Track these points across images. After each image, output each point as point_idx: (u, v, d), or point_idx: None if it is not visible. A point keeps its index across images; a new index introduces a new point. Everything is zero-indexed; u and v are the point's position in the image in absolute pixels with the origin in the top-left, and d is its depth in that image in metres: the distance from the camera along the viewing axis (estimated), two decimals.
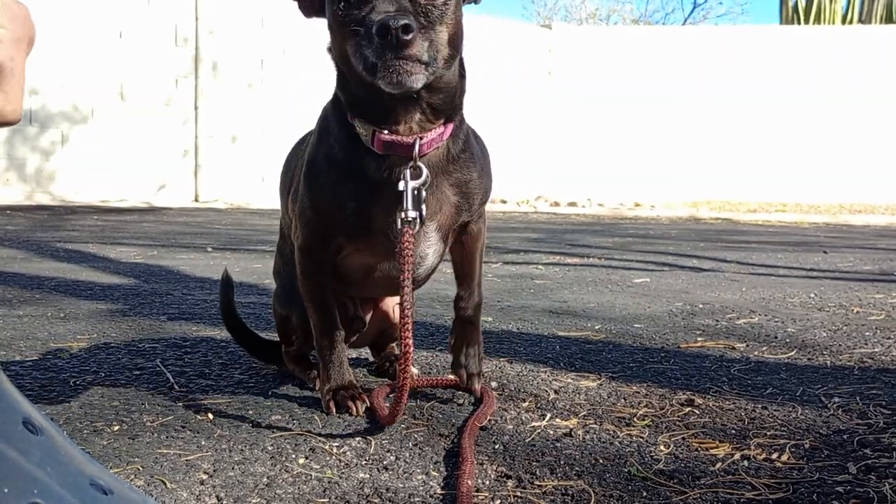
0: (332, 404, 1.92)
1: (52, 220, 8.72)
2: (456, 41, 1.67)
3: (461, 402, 2.06)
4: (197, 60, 12.58)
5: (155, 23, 12.29)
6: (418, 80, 1.58)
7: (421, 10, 1.59)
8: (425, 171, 1.75)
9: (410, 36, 1.52)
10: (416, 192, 1.74)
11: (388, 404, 1.86)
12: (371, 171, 1.79)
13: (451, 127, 1.81)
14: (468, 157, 1.88)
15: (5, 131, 11.50)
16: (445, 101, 1.77)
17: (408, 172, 1.74)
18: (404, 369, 1.71)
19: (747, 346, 2.81)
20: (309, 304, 1.98)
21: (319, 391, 2.01)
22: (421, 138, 1.75)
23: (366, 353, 2.49)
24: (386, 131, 1.74)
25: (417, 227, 1.76)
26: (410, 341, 1.70)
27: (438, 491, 1.48)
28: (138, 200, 12.10)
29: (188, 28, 12.51)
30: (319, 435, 1.77)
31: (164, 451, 1.65)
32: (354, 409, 1.90)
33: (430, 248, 1.91)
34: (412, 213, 1.74)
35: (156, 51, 12.29)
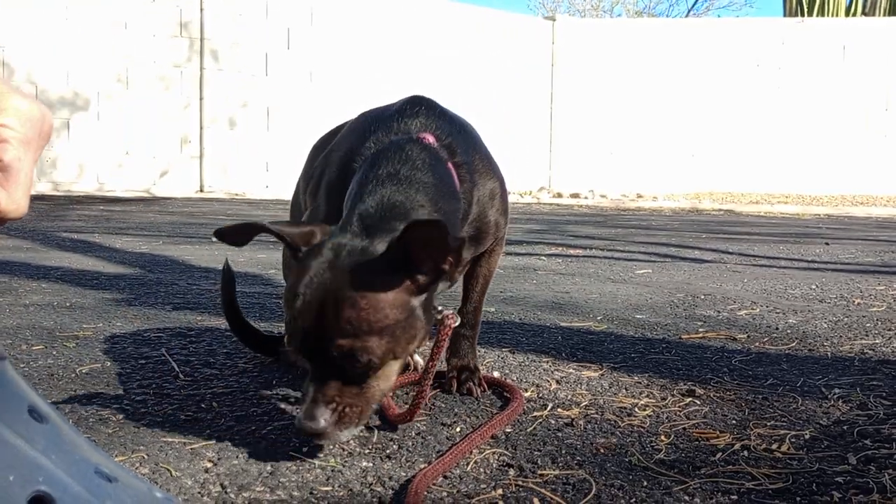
0: None
1: (56, 210, 8.73)
2: (412, 346, 1.63)
3: (464, 392, 2.06)
4: (202, 50, 12.58)
5: (159, 12, 12.29)
6: (350, 439, 1.64)
7: (350, 381, 1.56)
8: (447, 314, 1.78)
9: (322, 436, 1.55)
10: None
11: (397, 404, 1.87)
12: None
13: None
14: (479, 224, 1.92)
15: None
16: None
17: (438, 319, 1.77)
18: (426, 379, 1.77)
19: (748, 337, 2.82)
20: None
21: None
22: None
23: None
24: None
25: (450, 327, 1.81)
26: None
27: (440, 479, 1.49)
28: (141, 188, 12.12)
29: (193, 17, 12.51)
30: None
31: (169, 440, 1.66)
32: None
33: None
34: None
35: (160, 40, 12.30)
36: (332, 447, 1.63)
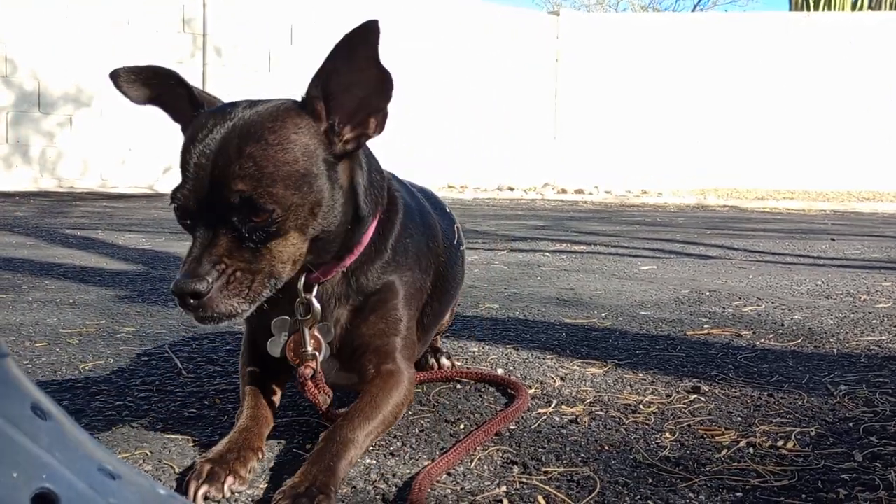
0: (204, 468, 1.40)
1: (59, 207, 8.74)
2: (313, 233, 1.45)
3: (467, 388, 2.06)
4: (205, 46, 12.59)
5: (162, 8, 12.29)
6: (237, 319, 1.41)
7: (245, 236, 1.38)
8: (315, 306, 1.58)
9: (204, 298, 1.35)
10: (312, 325, 1.59)
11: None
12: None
13: (352, 256, 1.61)
14: (382, 277, 1.66)
15: (11, 116, 11.54)
16: (328, 254, 1.55)
17: (301, 308, 1.58)
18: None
19: (754, 333, 2.81)
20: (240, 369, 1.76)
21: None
22: (310, 271, 1.56)
23: None
24: None
25: (316, 367, 1.60)
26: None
27: (444, 476, 1.48)
28: (144, 184, 12.14)
29: (196, 13, 12.52)
30: (327, 421, 1.78)
31: (173, 437, 1.66)
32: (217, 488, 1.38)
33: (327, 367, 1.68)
34: (309, 351, 1.59)
35: (163, 36, 12.31)
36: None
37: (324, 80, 1.44)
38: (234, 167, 1.36)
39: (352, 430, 1.48)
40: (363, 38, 1.39)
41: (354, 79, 1.44)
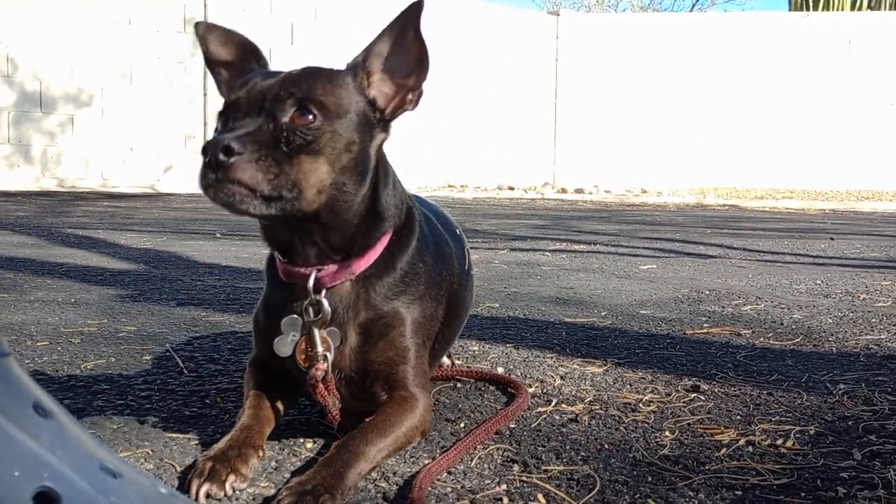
0: (206, 465, 1.42)
1: (61, 206, 8.75)
2: (339, 178, 1.50)
3: (467, 387, 2.07)
4: None
5: (164, 8, 12.30)
6: (250, 207, 1.41)
7: (283, 135, 1.45)
8: (325, 307, 1.58)
9: (233, 159, 1.38)
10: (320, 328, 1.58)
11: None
12: (280, 302, 1.64)
13: (362, 261, 1.62)
14: (392, 300, 1.65)
15: (12, 116, 11.54)
16: (341, 238, 1.58)
17: (311, 309, 1.58)
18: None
19: (753, 332, 2.81)
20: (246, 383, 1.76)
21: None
22: (319, 270, 1.58)
23: None
24: (286, 259, 1.62)
25: (328, 369, 1.58)
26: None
27: (445, 474, 1.49)
28: (145, 184, 12.14)
29: (197, 12, 12.53)
30: (336, 425, 1.78)
31: (174, 436, 1.66)
32: (217, 486, 1.39)
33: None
34: (320, 352, 1.58)
35: (164, 35, 12.33)
36: None
37: (371, 59, 1.61)
38: (290, 80, 1.53)
39: (364, 444, 1.49)
40: (410, 19, 1.59)
41: (399, 60, 1.60)
